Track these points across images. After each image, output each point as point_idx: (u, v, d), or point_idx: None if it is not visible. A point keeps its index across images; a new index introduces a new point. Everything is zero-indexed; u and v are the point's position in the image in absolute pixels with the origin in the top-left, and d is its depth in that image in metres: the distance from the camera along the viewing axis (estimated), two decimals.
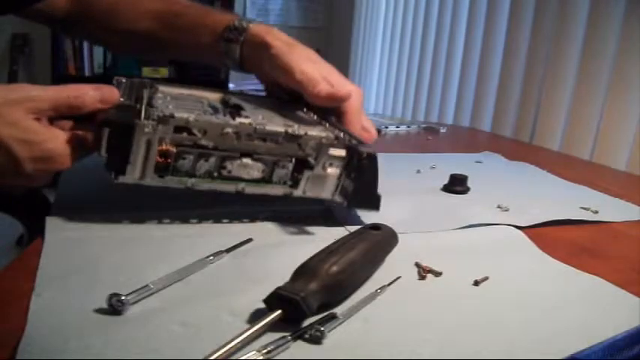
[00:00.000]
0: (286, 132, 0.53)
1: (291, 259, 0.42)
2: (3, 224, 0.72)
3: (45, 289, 0.40)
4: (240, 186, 0.53)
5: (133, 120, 0.49)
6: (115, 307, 0.37)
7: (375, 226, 0.48)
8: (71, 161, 0.49)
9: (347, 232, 0.53)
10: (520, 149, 1.16)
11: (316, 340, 0.35)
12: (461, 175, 0.72)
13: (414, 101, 2.34)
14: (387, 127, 1.22)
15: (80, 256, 0.46)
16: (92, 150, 0.50)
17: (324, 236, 0.51)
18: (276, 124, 0.54)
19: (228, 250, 0.48)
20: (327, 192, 0.55)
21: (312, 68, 0.61)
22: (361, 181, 0.54)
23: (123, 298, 0.37)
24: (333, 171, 0.54)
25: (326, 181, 0.55)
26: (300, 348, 0.34)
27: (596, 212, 0.65)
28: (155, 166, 0.50)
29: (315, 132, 0.55)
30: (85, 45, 3.02)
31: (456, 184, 0.72)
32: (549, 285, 0.46)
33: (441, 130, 1.25)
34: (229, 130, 0.52)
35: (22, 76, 2.95)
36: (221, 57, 0.68)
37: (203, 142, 0.51)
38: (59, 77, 2.99)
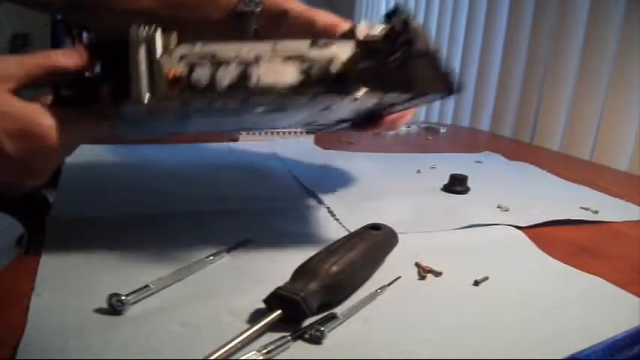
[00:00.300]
0: (313, 41, 0.45)
1: (291, 259, 0.41)
2: (3, 224, 0.72)
3: (45, 289, 0.40)
4: (275, 96, 0.44)
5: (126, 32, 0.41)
6: (115, 307, 0.37)
7: (375, 226, 0.48)
8: (59, 138, 0.42)
9: (347, 232, 0.53)
10: (520, 149, 1.16)
11: (316, 340, 0.35)
12: (461, 175, 0.72)
13: None
14: None
15: (80, 256, 0.46)
16: (87, 127, 0.45)
17: (324, 236, 0.51)
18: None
19: (228, 250, 0.48)
20: (383, 87, 0.45)
21: (335, 19, 0.58)
22: (417, 60, 0.44)
23: (123, 298, 0.37)
24: (375, 62, 0.45)
25: (374, 74, 0.45)
26: (300, 348, 0.34)
27: (596, 212, 0.65)
28: (163, 92, 0.42)
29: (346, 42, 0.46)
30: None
31: (456, 184, 0.72)
32: (549, 285, 0.46)
33: (441, 130, 1.25)
34: (246, 51, 0.43)
35: None
36: (230, 34, 0.62)
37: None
38: None
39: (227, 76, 0.43)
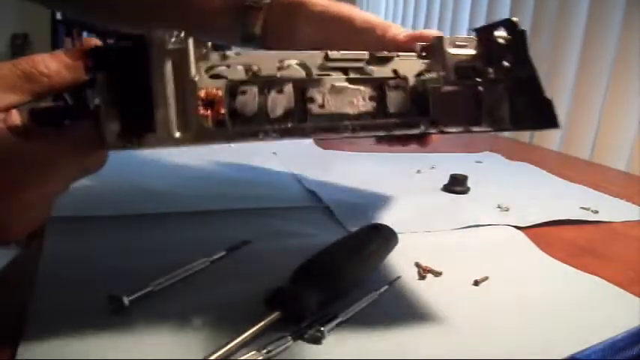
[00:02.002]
0: (371, 54, 0.37)
1: (291, 259, 0.41)
2: None
3: (44, 289, 0.40)
4: (348, 125, 0.35)
5: (144, 37, 0.30)
6: (114, 307, 0.37)
7: (375, 226, 0.48)
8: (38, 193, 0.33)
9: (347, 232, 0.53)
10: (520, 149, 1.16)
11: (316, 340, 0.35)
12: (461, 175, 0.72)
13: None
14: None
15: (80, 257, 0.46)
16: (81, 160, 0.35)
17: (324, 236, 0.51)
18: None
19: (229, 250, 0.48)
20: (471, 117, 0.37)
21: (370, 15, 0.49)
22: (516, 83, 0.37)
23: (123, 298, 0.37)
24: (464, 84, 0.37)
25: (461, 99, 0.37)
26: (300, 348, 0.34)
27: (596, 212, 0.65)
28: (198, 124, 0.32)
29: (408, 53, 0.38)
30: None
31: (456, 184, 0.72)
32: (549, 285, 0.46)
33: None
34: (292, 61, 0.35)
35: None
36: (232, 28, 0.54)
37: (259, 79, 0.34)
38: None
39: (281, 101, 0.33)
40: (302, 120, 0.34)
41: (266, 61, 0.34)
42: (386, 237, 0.48)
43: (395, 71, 0.37)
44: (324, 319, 0.36)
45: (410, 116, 0.36)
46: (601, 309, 0.42)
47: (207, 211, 0.58)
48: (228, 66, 0.33)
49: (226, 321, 0.37)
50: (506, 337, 0.37)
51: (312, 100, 0.34)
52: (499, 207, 0.65)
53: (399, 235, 0.50)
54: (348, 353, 0.34)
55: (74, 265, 0.44)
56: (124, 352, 0.33)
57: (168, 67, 0.31)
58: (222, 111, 0.32)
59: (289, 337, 0.34)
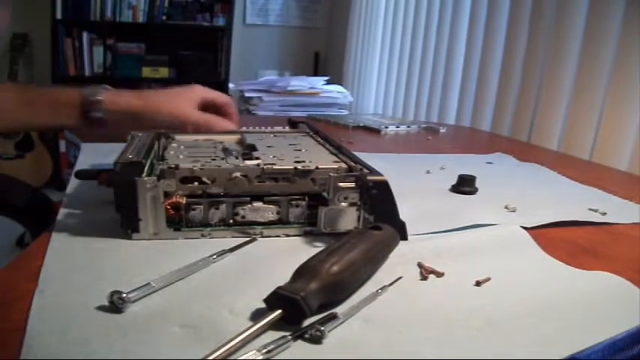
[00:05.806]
0: (296, 168, 0.52)
1: (292, 259, 0.41)
2: (3, 224, 0.72)
3: (48, 286, 0.40)
4: (258, 230, 0.51)
5: (133, 177, 0.48)
6: (116, 304, 0.37)
7: (376, 226, 0.48)
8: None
9: (349, 232, 0.53)
10: (532, 151, 1.15)
11: (316, 340, 0.35)
12: (469, 175, 0.72)
13: (415, 101, 2.34)
14: (387, 127, 1.22)
15: (84, 255, 0.46)
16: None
17: (325, 236, 0.51)
18: (286, 162, 0.54)
19: (232, 250, 0.48)
20: (348, 226, 0.52)
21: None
22: (379, 210, 0.51)
23: (124, 295, 0.37)
24: (349, 203, 0.51)
25: (344, 214, 0.51)
26: (300, 348, 0.34)
27: (604, 214, 0.64)
28: (167, 218, 0.49)
29: (326, 164, 0.54)
30: (85, 45, 3.02)
31: (464, 185, 0.71)
32: (551, 285, 0.46)
33: (441, 130, 1.25)
34: (238, 174, 0.51)
35: (22, 75, 2.95)
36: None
37: (213, 189, 0.51)
38: (59, 77, 2.99)
39: (217, 214, 0.51)
40: (229, 225, 0.52)
41: (221, 172, 0.51)
42: (386, 237, 0.48)
43: (312, 180, 0.53)
44: (324, 319, 0.36)
45: (304, 223, 0.53)
46: (602, 308, 0.42)
47: None
48: (196, 177, 0.51)
49: (226, 320, 0.37)
50: (507, 337, 0.37)
51: (237, 214, 0.52)
52: (506, 207, 0.64)
53: None
54: (348, 353, 0.34)
55: (78, 263, 0.45)
56: (125, 352, 0.33)
57: (148, 196, 0.48)
58: (181, 212, 0.50)
59: (289, 337, 0.34)
